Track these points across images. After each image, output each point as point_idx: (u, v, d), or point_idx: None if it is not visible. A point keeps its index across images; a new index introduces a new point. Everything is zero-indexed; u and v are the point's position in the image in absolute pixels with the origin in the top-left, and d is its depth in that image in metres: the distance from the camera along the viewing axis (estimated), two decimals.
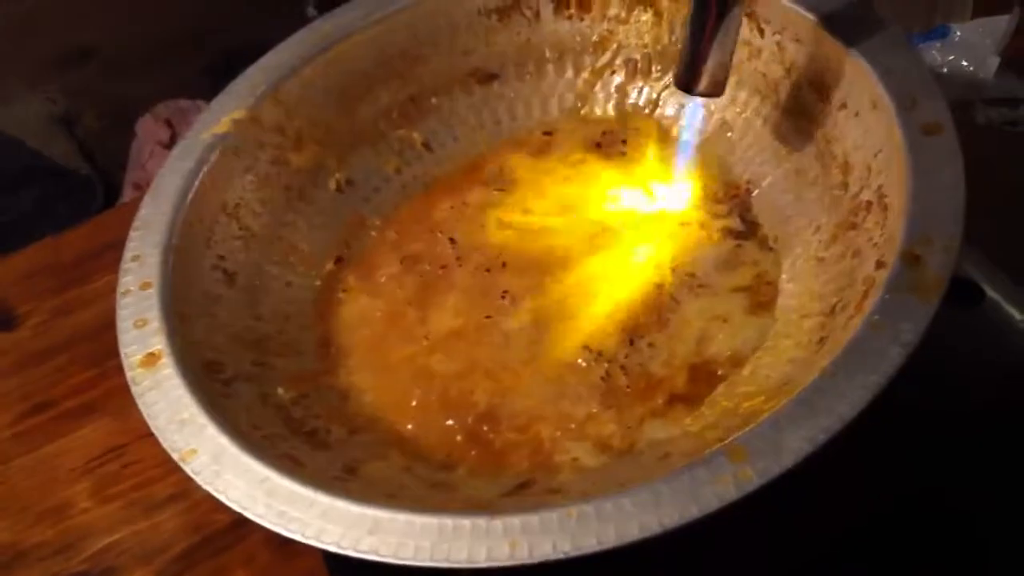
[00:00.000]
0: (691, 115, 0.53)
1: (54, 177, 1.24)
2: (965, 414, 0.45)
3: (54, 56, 1.26)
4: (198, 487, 0.37)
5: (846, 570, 0.43)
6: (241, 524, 0.37)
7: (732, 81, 0.48)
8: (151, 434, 0.39)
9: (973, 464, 0.44)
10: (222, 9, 1.31)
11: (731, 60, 0.45)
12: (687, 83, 0.46)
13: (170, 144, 1.23)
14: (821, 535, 0.44)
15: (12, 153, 1.23)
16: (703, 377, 0.45)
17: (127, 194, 1.24)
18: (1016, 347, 0.48)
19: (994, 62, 0.62)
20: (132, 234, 0.48)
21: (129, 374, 0.42)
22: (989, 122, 0.62)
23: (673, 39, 0.58)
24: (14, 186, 1.20)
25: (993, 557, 0.43)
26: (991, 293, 0.48)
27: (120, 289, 0.45)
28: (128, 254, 0.47)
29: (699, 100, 0.52)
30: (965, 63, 0.63)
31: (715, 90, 0.46)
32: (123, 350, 0.43)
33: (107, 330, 0.44)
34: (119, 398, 0.53)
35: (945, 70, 0.63)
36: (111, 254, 0.48)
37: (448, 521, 0.34)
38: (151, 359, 0.42)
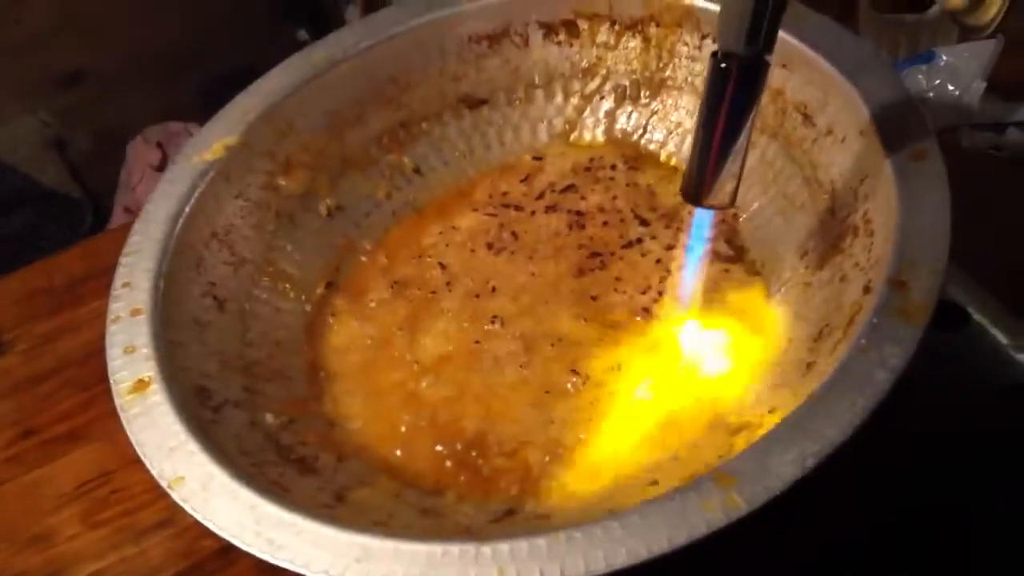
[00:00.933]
0: (698, 224, 0.46)
1: (44, 200, 1.24)
2: (953, 436, 0.45)
3: (45, 79, 1.26)
4: (187, 513, 0.37)
5: None
6: (230, 550, 0.36)
7: None
8: (140, 460, 0.39)
9: (960, 486, 0.44)
10: (214, 33, 1.32)
11: (742, 170, 0.41)
12: (694, 196, 0.42)
13: (160, 167, 1.23)
14: (813, 552, 0.44)
15: (2, 176, 1.23)
16: (691, 403, 0.45)
17: (117, 217, 1.24)
18: (1002, 370, 0.48)
19: (980, 87, 0.62)
20: (122, 260, 0.48)
21: (118, 400, 0.42)
22: (974, 147, 0.62)
23: (661, 65, 0.58)
24: (3, 209, 1.20)
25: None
26: (977, 316, 0.48)
27: (110, 316, 0.45)
28: (118, 280, 0.47)
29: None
30: (951, 87, 0.63)
31: (725, 201, 0.42)
32: (112, 376, 0.43)
33: (97, 356, 0.44)
34: (108, 424, 0.53)
35: (931, 95, 0.63)
36: (102, 279, 0.48)
37: (437, 548, 0.34)
38: (140, 385, 0.42)
